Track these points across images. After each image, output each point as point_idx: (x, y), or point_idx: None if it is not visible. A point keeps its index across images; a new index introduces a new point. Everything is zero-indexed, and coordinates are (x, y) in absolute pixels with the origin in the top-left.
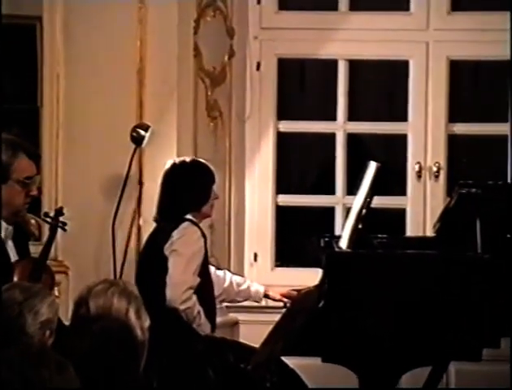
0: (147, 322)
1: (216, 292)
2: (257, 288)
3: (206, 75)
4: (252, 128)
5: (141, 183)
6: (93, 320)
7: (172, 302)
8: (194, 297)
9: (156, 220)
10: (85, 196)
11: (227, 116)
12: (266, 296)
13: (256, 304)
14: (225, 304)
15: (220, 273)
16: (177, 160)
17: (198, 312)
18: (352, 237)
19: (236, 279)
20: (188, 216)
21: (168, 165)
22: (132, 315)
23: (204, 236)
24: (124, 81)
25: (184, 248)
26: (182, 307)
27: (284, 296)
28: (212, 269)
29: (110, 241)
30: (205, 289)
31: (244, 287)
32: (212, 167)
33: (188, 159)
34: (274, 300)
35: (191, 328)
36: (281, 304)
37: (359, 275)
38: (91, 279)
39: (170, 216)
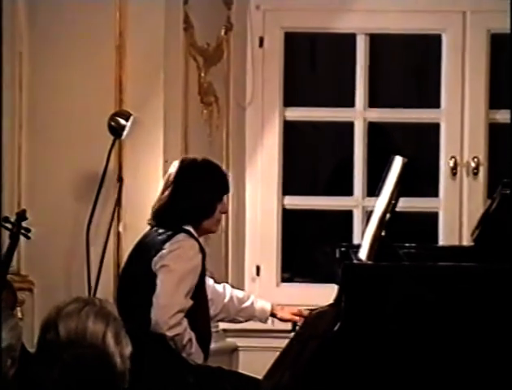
0: (128, 349)
1: (214, 311)
2: (262, 305)
3: (198, 52)
4: (254, 117)
5: (120, 181)
6: (63, 346)
7: (158, 327)
8: (185, 322)
9: (150, 224)
10: (53, 197)
11: (224, 102)
12: (273, 315)
13: (259, 325)
14: (222, 326)
15: (219, 287)
16: (188, 158)
17: (189, 339)
18: (373, 247)
19: (238, 294)
20: (188, 227)
21: (176, 163)
22: (110, 340)
23: (203, 251)
24: (100, 60)
25: (177, 264)
26: (170, 334)
27: (295, 315)
28: (210, 282)
29: (83, 251)
30: (199, 312)
31: (247, 304)
32: (228, 175)
33: (199, 158)
34: (282, 320)
35: (180, 357)
36: (289, 326)
37: (383, 292)
38: (61, 297)
39: (165, 223)
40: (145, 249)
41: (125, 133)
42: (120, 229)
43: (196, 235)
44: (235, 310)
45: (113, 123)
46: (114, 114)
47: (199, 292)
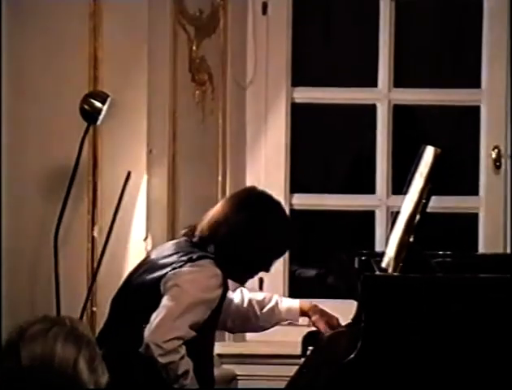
0: (105, 377)
1: (231, 323)
2: (288, 304)
3: (189, 21)
4: (256, 98)
5: (95, 176)
6: (26, 375)
7: (149, 351)
8: (182, 350)
9: (187, 234)
10: (15, 195)
11: (221, 81)
12: (305, 314)
13: (261, 350)
14: (217, 351)
15: (237, 297)
16: (262, 195)
17: (186, 371)
18: (400, 255)
19: (257, 297)
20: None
21: (245, 192)
22: (82, 367)
23: (225, 286)
24: (71, 30)
25: (191, 289)
26: (162, 360)
27: (329, 327)
28: (229, 295)
29: (51, 260)
30: (202, 346)
31: (269, 306)
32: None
33: (272, 203)
34: (314, 324)
35: (170, 387)
36: (297, 351)
37: (411, 309)
38: (24, 315)
39: (205, 248)
40: (162, 264)
41: (101, 118)
42: (95, 234)
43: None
44: (256, 317)
45: (86, 107)
46: (88, 95)
47: (206, 327)
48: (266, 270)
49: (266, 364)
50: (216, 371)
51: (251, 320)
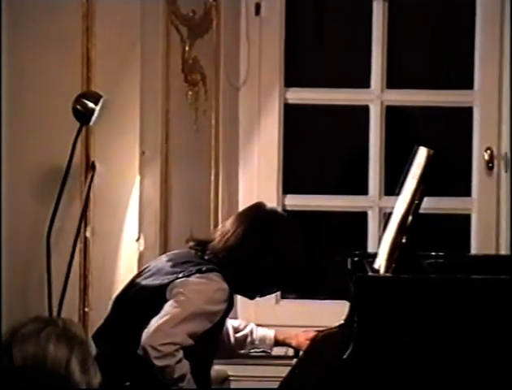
0: (97, 378)
1: None
2: (264, 332)
3: (182, 21)
4: (249, 99)
5: (87, 177)
6: (18, 375)
7: (145, 352)
8: (179, 354)
9: (194, 245)
10: (6, 196)
11: (214, 81)
12: (281, 343)
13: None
14: None
15: None
16: (278, 213)
17: (182, 376)
18: (392, 256)
19: (233, 323)
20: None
21: (256, 208)
22: (75, 368)
23: (230, 302)
24: (64, 31)
25: (196, 299)
26: (158, 363)
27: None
28: None
29: (43, 261)
30: (200, 360)
31: (243, 332)
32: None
33: (284, 221)
34: (293, 349)
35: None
36: (290, 351)
37: (403, 310)
38: (16, 315)
39: (218, 262)
40: (171, 270)
41: (94, 119)
42: (88, 234)
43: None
44: (229, 341)
45: (79, 107)
46: (81, 95)
47: (204, 343)
48: (278, 289)
49: (258, 365)
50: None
51: (224, 343)
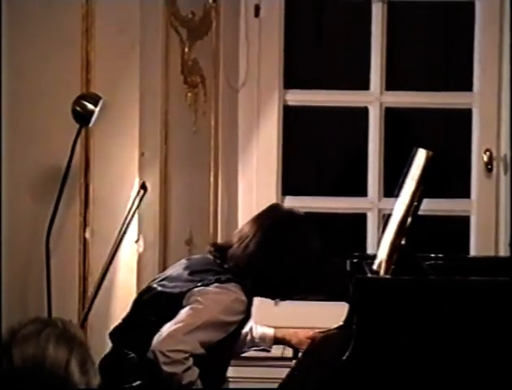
0: (96, 380)
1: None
2: (263, 332)
3: (181, 23)
4: (248, 101)
5: (87, 178)
6: (18, 376)
7: (154, 357)
8: (189, 362)
9: (214, 249)
10: (6, 197)
11: (213, 83)
12: (280, 341)
13: (253, 351)
14: None
15: None
16: (297, 212)
17: (190, 383)
18: (391, 258)
19: None
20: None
21: (280, 212)
22: (74, 369)
23: (247, 314)
24: (63, 32)
25: (212, 308)
26: (166, 369)
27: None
28: None
29: (43, 262)
30: (214, 369)
31: (245, 330)
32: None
33: (302, 222)
34: (293, 347)
35: None
36: (289, 353)
37: (402, 312)
38: (15, 317)
39: (234, 271)
40: (190, 278)
41: (93, 120)
42: (87, 235)
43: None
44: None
45: (78, 109)
46: (80, 97)
47: (218, 351)
48: (301, 290)
49: (257, 366)
50: None
51: None
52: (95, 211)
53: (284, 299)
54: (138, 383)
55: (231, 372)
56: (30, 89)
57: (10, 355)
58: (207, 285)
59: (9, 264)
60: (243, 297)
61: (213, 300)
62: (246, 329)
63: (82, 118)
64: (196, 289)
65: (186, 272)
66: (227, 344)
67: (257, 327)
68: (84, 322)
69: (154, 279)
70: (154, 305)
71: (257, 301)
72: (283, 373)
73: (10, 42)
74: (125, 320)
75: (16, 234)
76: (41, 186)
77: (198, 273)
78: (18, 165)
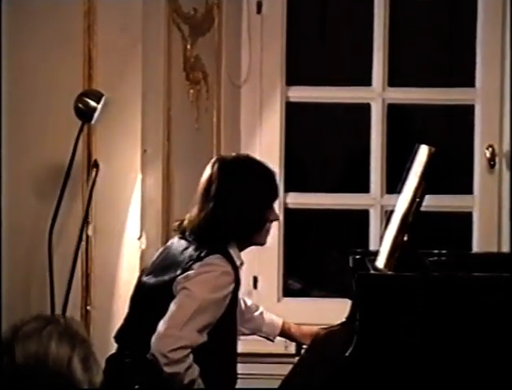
0: (99, 377)
1: None
2: (272, 319)
3: (183, 20)
4: (250, 97)
5: (89, 175)
6: (20, 375)
7: (155, 360)
8: (189, 360)
9: (179, 230)
10: (9, 194)
11: (215, 80)
12: (285, 334)
13: (256, 348)
14: None
15: None
16: (227, 158)
17: (192, 381)
18: (394, 254)
19: (247, 301)
20: (230, 246)
21: (214, 163)
22: (76, 366)
23: (237, 281)
24: (65, 29)
25: (200, 291)
26: (167, 370)
27: (312, 335)
28: None
29: (45, 259)
30: (218, 352)
31: (255, 314)
32: (276, 175)
33: (241, 157)
34: (297, 340)
35: None
36: (292, 349)
37: (405, 308)
38: (18, 314)
39: (204, 240)
40: (170, 264)
41: (96, 117)
42: (90, 232)
43: (236, 255)
44: (240, 319)
45: (81, 105)
46: (83, 94)
47: (223, 329)
48: (275, 217)
49: (260, 363)
50: None
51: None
52: (98, 208)
53: (247, 244)
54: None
55: None
56: (32, 86)
57: (13, 352)
58: (190, 267)
59: (11, 261)
60: (227, 267)
61: (199, 282)
62: (259, 311)
63: (84, 115)
64: (180, 277)
65: (167, 261)
66: (228, 317)
67: (267, 313)
68: (86, 319)
69: (143, 271)
70: (148, 301)
71: (260, 298)
72: (286, 369)
73: (12, 39)
74: (126, 320)
75: (19, 231)
76: (43, 183)
77: (177, 258)
78: (20, 162)
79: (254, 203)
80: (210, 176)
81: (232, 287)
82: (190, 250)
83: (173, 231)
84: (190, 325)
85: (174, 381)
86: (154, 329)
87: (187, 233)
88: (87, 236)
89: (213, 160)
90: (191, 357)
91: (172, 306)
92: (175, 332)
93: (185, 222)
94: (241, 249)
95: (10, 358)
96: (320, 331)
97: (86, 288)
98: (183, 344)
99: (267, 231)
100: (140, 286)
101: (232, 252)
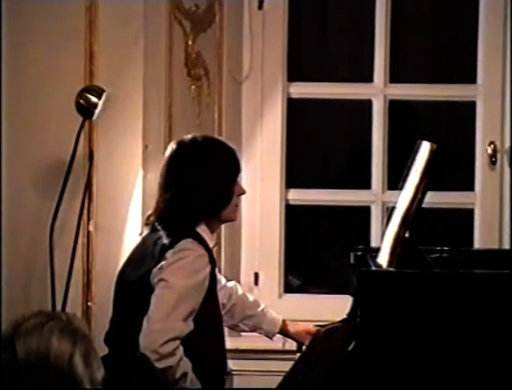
0: (100, 373)
1: (222, 312)
2: (273, 316)
3: (185, 16)
4: (252, 93)
5: (90, 171)
6: (21, 370)
7: (145, 356)
8: (179, 352)
9: (149, 223)
10: (10, 190)
11: (217, 76)
12: (284, 332)
13: (258, 344)
14: None
15: (230, 285)
16: (185, 139)
17: (184, 374)
18: (395, 251)
19: (248, 297)
20: (200, 227)
21: (172, 147)
22: (78, 362)
23: (212, 260)
24: (67, 24)
25: (178, 279)
26: (159, 365)
27: (309, 334)
28: (222, 281)
29: (46, 255)
30: (207, 338)
31: (256, 311)
32: (235, 150)
33: (200, 140)
34: (296, 339)
35: None
36: (293, 346)
37: (406, 305)
38: (19, 310)
39: (171, 225)
40: (146, 257)
41: (97, 113)
42: (91, 229)
43: (208, 237)
44: (240, 315)
45: (82, 101)
46: (84, 90)
47: (206, 312)
48: (241, 191)
49: (261, 359)
50: None
51: (234, 317)
52: (99, 204)
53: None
54: None
55: (235, 365)
56: (33, 82)
57: (14, 348)
58: (162, 258)
59: (13, 257)
60: (200, 250)
61: (174, 271)
62: (257, 309)
63: (86, 111)
64: (154, 269)
65: (142, 255)
66: (211, 299)
67: (267, 310)
68: (87, 315)
69: (121, 268)
70: (129, 299)
71: (261, 294)
72: (287, 366)
73: (14, 35)
74: (112, 322)
75: (20, 227)
76: (44, 179)
77: (151, 250)
78: (21, 158)
79: (216, 179)
80: (169, 160)
81: (208, 269)
82: (162, 239)
83: (144, 225)
84: (174, 315)
85: (166, 375)
86: (140, 325)
87: (156, 223)
88: (88, 232)
89: (171, 144)
90: (181, 349)
91: (153, 300)
92: (160, 326)
93: (151, 212)
94: (212, 229)
95: (11, 354)
96: (313, 329)
97: (87, 284)
98: (171, 336)
99: (236, 207)
100: (119, 285)
101: (204, 234)
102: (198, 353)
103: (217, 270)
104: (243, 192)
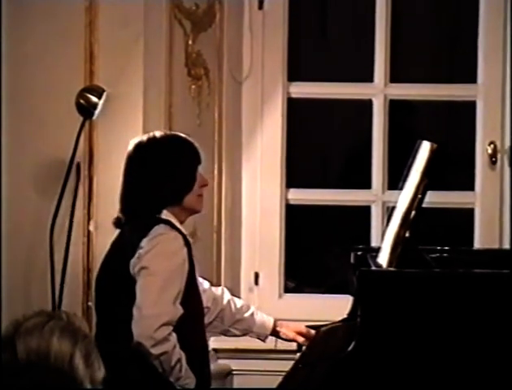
0: (101, 372)
1: (208, 319)
2: (263, 319)
3: (185, 15)
4: (252, 93)
5: (91, 170)
6: (21, 370)
7: (140, 345)
8: (173, 338)
9: (117, 223)
10: (10, 190)
11: (217, 75)
12: (275, 332)
13: (258, 345)
14: (213, 345)
15: (216, 291)
16: (144, 137)
17: (178, 360)
18: (396, 250)
19: (237, 302)
20: (165, 215)
21: (132, 144)
22: (78, 362)
23: (187, 243)
24: (67, 24)
25: (158, 264)
26: (155, 351)
27: (299, 334)
28: (205, 285)
29: (46, 255)
30: (190, 323)
31: (246, 314)
32: (194, 142)
33: (158, 134)
34: (286, 339)
35: (167, 382)
36: (293, 346)
37: (407, 304)
38: (19, 309)
39: (138, 216)
40: (121, 251)
41: (97, 113)
42: (91, 228)
43: (178, 224)
44: (230, 320)
45: (82, 101)
46: (84, 89)
47: (189, 297)
48: (203, 182)
49: (261, 359)
50: (212, 366)
51: (224, 322)
52: (99, 204)
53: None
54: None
55: (235, 365)
56: (33, 82)
57: (15, 348)
58: (136, 248)
59: (13, 257)
60: (172, 232)
61: (153, 256)
62: (247, 313)
63: (86, 110)
64: (132, 260)
65: (116, 251)
66: (191, 290)
67: (258, 313)
68: (88, 314)
69: (98, 271)
70: (113, 297)
71: (261, 294)
72: (287, 366)
73: (14, 34)
74: (99, 324)
75: (20, 227)
76: (44, 179)
77: (124, 244)
78: (22, 158)
79: (175, 165)
80: (128, 158)
81: (185, 251)
82: (133, 232)
83: (113, 226)
84: (163, 300)
85: (162, 363)
86: (128, 319)
87: (123, 220)
88: (88, 232)
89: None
90: (174, 335)
91: (139, 290)
92: (152, 312)
93: (127, 202)
94: (179, 218)
95: (12, 354)
96: (306, 329)
97: (87, 284)
98: (164, 320)
99: (199, 197)
100: (99, 287)
101: (173, 220)
102: (187, 340)
103: (197, 273)
104: (205, 184)
